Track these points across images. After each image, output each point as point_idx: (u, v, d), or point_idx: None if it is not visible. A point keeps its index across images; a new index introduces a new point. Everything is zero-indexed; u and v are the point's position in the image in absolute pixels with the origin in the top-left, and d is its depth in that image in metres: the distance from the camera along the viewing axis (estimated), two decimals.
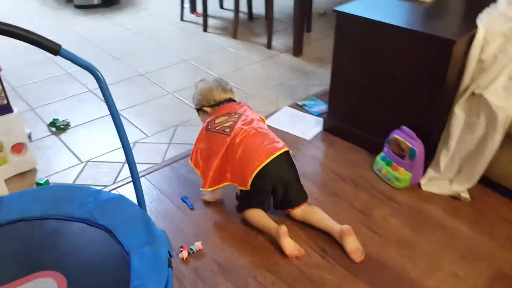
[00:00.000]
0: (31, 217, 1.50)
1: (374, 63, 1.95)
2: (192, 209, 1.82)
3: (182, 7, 3.69)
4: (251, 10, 3.69)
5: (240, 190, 1.73)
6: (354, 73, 2.05)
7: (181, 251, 1.63)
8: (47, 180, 1.95)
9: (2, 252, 1.38)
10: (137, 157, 2.13)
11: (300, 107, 2.50)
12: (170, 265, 1.34)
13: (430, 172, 1.89)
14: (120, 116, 2.40)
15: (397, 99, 1.94)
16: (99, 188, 1.94)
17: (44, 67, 2.98)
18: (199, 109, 1.95)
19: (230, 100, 1.92)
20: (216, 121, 1.80)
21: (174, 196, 1.89)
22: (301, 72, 2.89)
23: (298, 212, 1.73)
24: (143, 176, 2.01)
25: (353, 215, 1.79)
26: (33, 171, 2.04)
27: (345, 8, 1.99)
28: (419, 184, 1.91)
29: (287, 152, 1.71)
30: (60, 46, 1.26)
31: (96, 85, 2.76)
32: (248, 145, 1.68)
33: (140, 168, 2.05)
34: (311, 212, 1.72)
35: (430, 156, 1.89)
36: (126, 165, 2.08)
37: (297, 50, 3.09)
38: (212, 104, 1.90)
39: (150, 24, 3.69)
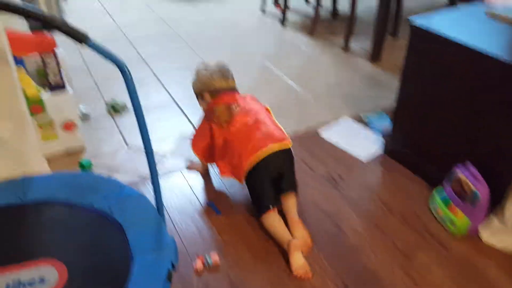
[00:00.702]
0: (54, 201, 1.51)
1: (448, 88, 1.70)
2: (219, 215, 1.74)
3: None
4: (335, 7, 3.49)
5: (249, 192, 1.71)
6: (424, 94, 1.81)
7: (196, 259, 1.55)
8: (90, 162, 1.97)
9: (15, 231, 1.40)
10: (181, 150, 2.09)
11: (363, 121, 2.29)
12: (169, 279, 1.27)
13: (494, 221, 1.62)
14: (176, 105, 2.41)
15: (470, 132, 1.67)
16: (136, 178, 1.93)
17: (118, 46, 3.05)
18: (198, 95, 1.85)
19: (232, 89, 1.82)
20: (215, 110, 1.76)
21: (205, 198, 1.82)
22: (374, 81, 2.66)
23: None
24: (180, 170, 1.96)
25: (392, 255, 1.58)
26: (80, 149, 2.08)
27: (423, 20, 1.75)
28: (478, 233, 1.65)
29: (289, 147, 1.70)
30: (86, 36, 1.22)
31: (161, 70, 2.79)
32: (242, 140, 1.67)
33: (180, 162, 2.01)
34: (286, 201, 1.70)
35: (496, 202, 1.62)
36: (169, 158, 2.05)
37: (374, 56, 2.85)
38: (212, 91, 1.79)
39: (230, 13, 3.64)
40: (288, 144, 1.69)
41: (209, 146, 1.76)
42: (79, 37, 1.21)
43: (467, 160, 1.65)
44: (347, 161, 2.02)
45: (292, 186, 1.72)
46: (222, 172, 1.76)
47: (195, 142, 1.83)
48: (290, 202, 1.69)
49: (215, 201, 1.80)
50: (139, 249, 1.34)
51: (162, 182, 1.90)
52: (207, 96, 1.81)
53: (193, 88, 1.87)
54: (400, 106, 1.94)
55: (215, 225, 1.69)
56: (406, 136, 1.96)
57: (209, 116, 1.78)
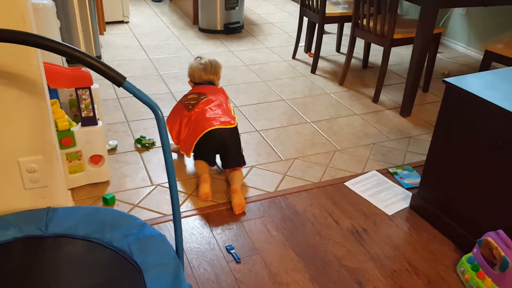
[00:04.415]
0: (75, 235, 1.50)
1: (483, 150, 1.65)
2: (238, 262, 1.70)
3: (297, 45, 3.63)
4: (367, 57, 3.51)
5: (196, 146, 2.11)
6: (456, 154, 1.77)
7: None
8: (113, 197, 1.97)
9: (33, 264, 1.39)
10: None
11: (390, 175, 2.25)
12: None
13: None
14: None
15: (503, 198, 1.61)
16: (157, 216, 1.91)
17: (150, 82, 3.12)
18: (189, 79, 2.38)
19: (210, 82, 2.30)
20: (188, 97, 2.25)
21: (225, 242, 1.78)
22: (403, 135, 2.63)
23: (227, 172, 2.17)
24: (207, 212, 1.93)
25: None
26: (105, 183, 2.09)
27: (458, 81, 1.73)
28: None
29: (232, 127, 2.09)
30: (124, 78, 1.24)
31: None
32: (196, 121, 2.10)
33: (202, 203, 1.99)
34: (231, 175, 2.11)
35: None
36: (190, 197, 2.04)
37: (405, 109, 2.82)
38: (196, 81, 2.32)
39: (262, 57, 3.70)
40: (231, 125, 2.09)
41: (178, 124, 2.20)
42: (117, 80, 1.23)
43: (500, 227, 1.58)
44: (373, 215, 1.97)
45: (237, 163, 2.13)
46: (181, 149, 2.19)
47: (168, 119, 2.28)
48: (235, 175, 2.09)
49: (235, 246, 1.76)
50: None
51: (183, 222, 1.88)
52: (191, 84, 2.35)
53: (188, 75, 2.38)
54: (431, 163, 1.90)
55: (234, 273, 1.65)
56: (435, 195, 1.90)
57: (183, 98, 2.27)
